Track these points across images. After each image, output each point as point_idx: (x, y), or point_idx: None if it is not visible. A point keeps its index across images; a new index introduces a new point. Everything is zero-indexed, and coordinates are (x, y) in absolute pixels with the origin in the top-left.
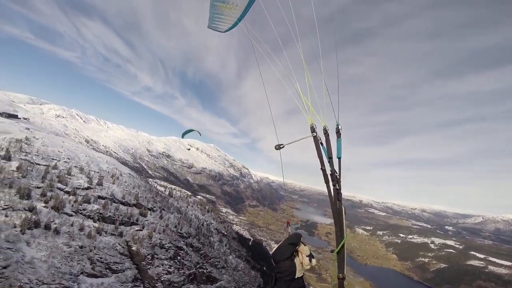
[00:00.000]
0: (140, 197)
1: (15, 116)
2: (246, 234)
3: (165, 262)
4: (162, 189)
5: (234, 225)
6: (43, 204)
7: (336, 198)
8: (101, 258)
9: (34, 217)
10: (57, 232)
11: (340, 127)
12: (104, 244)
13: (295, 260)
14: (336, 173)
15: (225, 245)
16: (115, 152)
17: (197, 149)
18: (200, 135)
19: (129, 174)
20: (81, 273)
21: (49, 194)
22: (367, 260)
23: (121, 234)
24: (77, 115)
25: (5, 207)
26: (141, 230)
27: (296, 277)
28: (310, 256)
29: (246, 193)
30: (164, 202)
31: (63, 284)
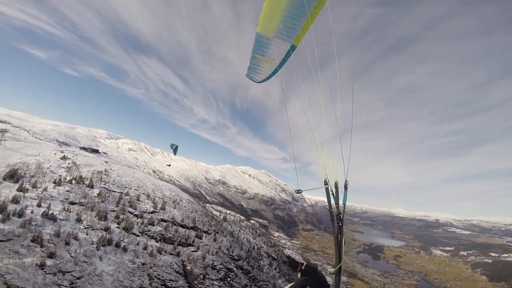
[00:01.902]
0: (197, 220)
1: (96, 151)
2: (299, 258)
3: (215, 282)
4: (217, 213)
5: (286, 249)
6: (116, 225)
7: (338, 232)
8: (159, 275)
9: (108, 236)
10: (125, 249)
11: (347, 183)
12: (163, 263)
13: None
14: (341, 214)
15: (275, 269)
16: (177, 181)
17: (250, 175)
18: (175, 154)
19: (188, 199)
20: (140, 287)
21: (121, 216)
22: (446, 283)
23: (178, 254)
24: (145, 148)
25: (87, 226)
26: (196, 251)
27: None
28: None
29: (299, 217)
30: (219, 225)
31: None
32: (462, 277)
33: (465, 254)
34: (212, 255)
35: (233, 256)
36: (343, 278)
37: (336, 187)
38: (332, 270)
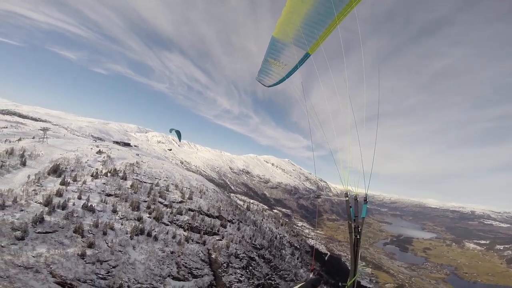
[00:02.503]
0: (222, 210)
1: (128, 144)
2: (322, 248)
3: (238, 271)
4: (241, 203)
5: (310, 239)
6: (148, 215)
7: (355, 245)
8: (186, 263)
9: (140, 225)
10: (155, 238)
11: (367, 197)
12: (190, 251)
13: None
14: (359, 227)
15: (297, 259)
16: (204, 171)
17: (273, 164)
18: (180, 140)
19: (214, 189)
20: (168, 275)
21: (152, 206)
22: (477, 278)
23: (204, 243)
24: (173, 140)
25: (122, 217)
26: (220, 240)
27: None
28: None
29: (324, 207)
30: (242, 215)
31: (152, 284)
32: (495, 272)
33: (501, 248)
34: (236, 244)
35: (256, 245)
36: (368, 270)
37: (356, 200)
38: (347, 283)
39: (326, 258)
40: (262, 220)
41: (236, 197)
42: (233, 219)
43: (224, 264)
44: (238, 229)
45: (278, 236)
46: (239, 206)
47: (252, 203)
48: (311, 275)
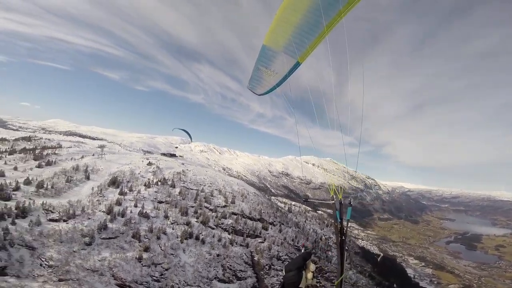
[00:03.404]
0: (263, 212)
1: (174, 155)
2: (374, 249)
3: (280, 273)
4: (282, 205)
5: (360, 240)
6: (195, 220)
7: (341, 246)
8: (230, 265)
9: (189, 229)
10: (203, 242)
11: (351, 201)
12: (234, 253)
13: (302, 272)
14: (344, 229)
15: (345, 260)
16: (244, 176)
17: (313, 164)
18: (191, 141)
19: (254, 193)
20: (214, 277)
21: (199, 211)
22: None
23: (247, 245)
24: (214, 148)
25: (173, 222)
26: (262, 242)
27: (300, 286)
28: (313, 273)
29: (374, 206)
30: (283, 217)
31: (200, 286)
32: None
33: None
34: (278, 245)
35: (298, 246)
36: (428, 270)
37: (341, 203)
38: (335, 283)
39: (378, 259)
40: (305, 221)
41: (277, 199)
42: (275, 221)
43: (266, 266)
44: (280, 231)
45: (323, 237)
46: (280, 208)
47: (294, 205)
48: (302, 250)
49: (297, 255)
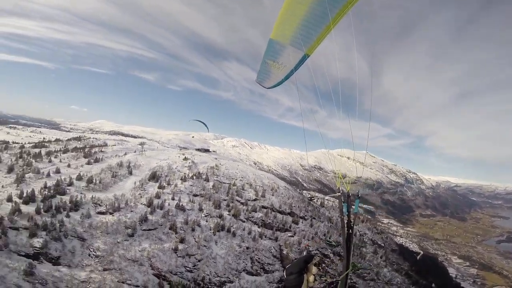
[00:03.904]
0: (294, 206)
1: (208, 150)
2: (414, 247)
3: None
4: (314, 199)
5: (398, 237)
6: (227, 212)
7: (347, 240)
8: (259, 258)
9: (221, 222)
10: (234, 234)
11: (359, 193)
12: (263, 247)
13: (304, 275)
14: (351, 222)
15: (380, 257)
16: (275, 170)
17: (348, 158)
18: (208, 130)
19: (285, 186)
20: (243, 270)
21: (231, 204)
22: None
23: (276, 239)
24: (245, 143)
25: (206, 214)
26: (292, 236)
27: None
28: (315, 276)
29: (415, 201)
30: (315, 211)
31: (229, 278)
32: None
33: None
34: (308, 240)
35: (330, 242)
36: (473, 271)
37: (348, 195)
38: (340, 277)
39: (418, 257)
40: (339, 217)
41: (309, 194)
42: (306, 216)
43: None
44: (311, 225)
45: (357, 233)
46: (312, 202)
47: (327, 200)
48: (304, 253)
49: (299, 257)
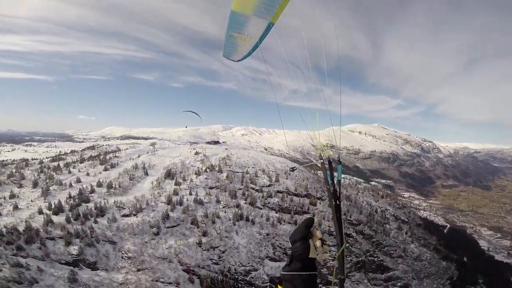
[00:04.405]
0: (309, 188)
1: (218, 142)
2: (439, 220)
3: (333, 248)
4: (296, 169)
5: (421, 211)
6: (244, 201)
7: (337, 211)
8: (280, 244)
9: (239, 211)
10: (253, 222)
11: (339, 157)
12: (282, 232)
13: (309, 241)
14: (337, 191)
15: (405, 233)
16: (287, 153)
17: (360, 132)
18: (201, 120)
19: (298, 169)
20: (266, 257)
21: (246, 193)
22: None
23: (295, 222)
24: (253, 130)
25: (224, 205)
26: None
27: (310, 256)
28: (322, 240)
29: (435, 172)
30: None
31: (253, 266)
32: None
33: None
34: (328, 221)
35: (351, 220)
36: (506, 242)
37: (330, 162)
38: (336, 255)
39: (445, 231)
40: (357, 194)
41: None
42: (323, 196)
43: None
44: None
45: (378, 209)
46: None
47: (343, 178)
48: (303, 217)
49: (299, 223)
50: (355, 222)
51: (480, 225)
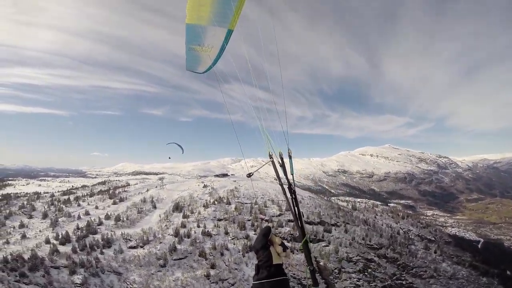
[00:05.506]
0: (322, 214)
1: (226, 175)
2: (470, 235)
3: (353, 275)
4: (345, 204)
5: (449, 228)
6: (253, 232)
7: (294, 205)
8: (294, 274)
9: (249, 242)
10: None
11: (290, 151)
12: (296, 261)
13: (270, 249)
14: (292, 186)
15: (434, 252)
16: (298, 182)
17: (371, 155)
18: (183, 152)
19: (309, 196)
20: None
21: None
22: None
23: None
24: (262, 161)
25: (233, 237)
26: (327, 245)
27: (274, 263)
28: (283, 246)
29: (456, 187)
30: (348, 216)
31: None
32: None
33: None
34: (345, 247)
35: (372, 245)
36: None
37: (281, 158)
38: (300, 245)
39: (479, 245)
40: (375, 217)
41: (338, 199)
42: (338, 222)
43: (336, 270)
44: (346, 231)
45: (400, 231)
46: (341, 207)
47: (358, 202)
48: (261, 226)
49: (259, 233)
50: (376, 246)
51: None
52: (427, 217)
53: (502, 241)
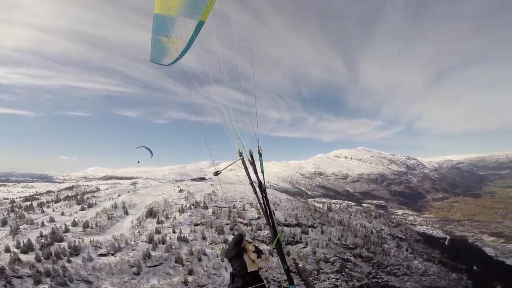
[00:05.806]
0: (300, 216)
1: (203, 179)
2: (438, 233)
3: (331, 275)
4: (321, 205)
5: (418, 226)
6: (232, 236)
7: (265, 204)
8: (274, 277)
9: (227, 247)
10: None
11: (260, 148)
12: (276, 264)
13: (244, 257)
14: (262, 184)
15: (406, 250)
16: (276, 184)
17: (345, 157)
18: (152, 156)
19: (287, 198)
20: None
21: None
22: None
23: (288, 253)
24: (241, 164)
25: (211, 242)
26: (305, 247)
27: (249, 271)
28: (258, 252)
29: (423, 187)
30: (324, 217)
31: None
32: None
33: None
34: (323, 248)
35: (347, 245)
36: (511, 246)
37: (251, 155)
38: (272, 245)
39: (446, 242)
40: (350, 217)
41: (315, 201)
42: (314, 224)
43: (314, 272)
44: (322, 232)
45: (373, 230)
46: (318, 209)
47: (334, 203)
48: (235, 231)
49: (231, 241)
50: (352, 246)
51: (481, 233)
52: (398, 216)
53: (466, 237)
